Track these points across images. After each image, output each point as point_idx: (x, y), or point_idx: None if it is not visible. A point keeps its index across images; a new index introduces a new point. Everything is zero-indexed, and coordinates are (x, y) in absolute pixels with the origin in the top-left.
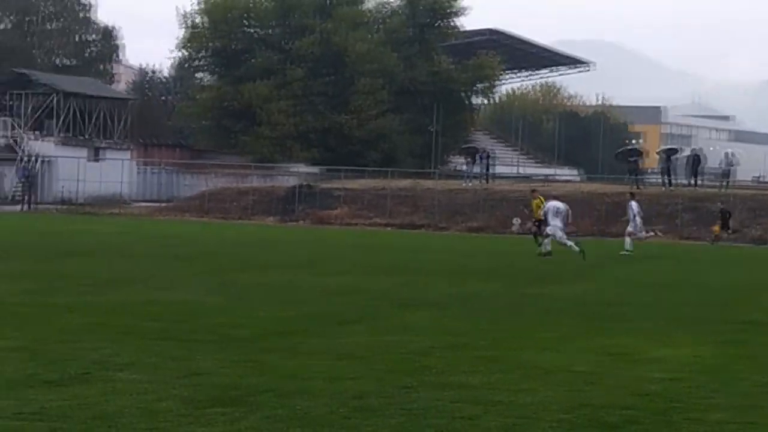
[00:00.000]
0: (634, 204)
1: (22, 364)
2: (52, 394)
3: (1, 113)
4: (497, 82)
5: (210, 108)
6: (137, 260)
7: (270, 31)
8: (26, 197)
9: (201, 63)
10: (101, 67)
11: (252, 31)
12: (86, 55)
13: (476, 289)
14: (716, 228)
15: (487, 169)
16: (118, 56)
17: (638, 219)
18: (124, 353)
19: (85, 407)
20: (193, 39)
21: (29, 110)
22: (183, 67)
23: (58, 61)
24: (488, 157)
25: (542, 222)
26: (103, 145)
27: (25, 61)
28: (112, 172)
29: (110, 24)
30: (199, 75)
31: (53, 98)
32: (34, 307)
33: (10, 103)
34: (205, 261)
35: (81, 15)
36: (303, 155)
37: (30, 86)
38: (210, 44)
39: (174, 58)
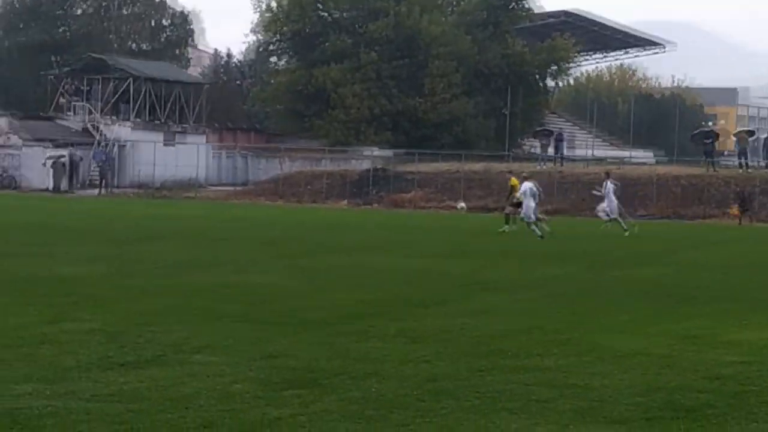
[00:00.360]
0: (610, 183)
1: (98, 346)
2: (128, 376)
3: (78, 98)
4: (571, 65)
5: (284, 92)
6: (212, 244)
7: (344, 14)
8: (103, 181)
9: (275, 47)
10: (176, 51)
11: (325, 14)
12: (161, 39)
13: (550, 273)
14: (734, 210)
15: (562, 152)
16: (193, 40)
17: (615, 200)
18: (199, 336)
19: (161, 389)
20: (267, 23)
21: (106, 95)
22: (257, 51)
23: (134, 45)
24: (562, 139)
25: (520, 204)
26: (178, 129)
27: (101, 46)
28: (188, 156)
29: (185, 9)
30: (273, 59)
31: (129, 83)
32: (110, 289)
33: (88, 88)
34: (279, 244)
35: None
36: (376, 139)
37: (106, 71)
38: (284, 28)
39: (248, 42)
